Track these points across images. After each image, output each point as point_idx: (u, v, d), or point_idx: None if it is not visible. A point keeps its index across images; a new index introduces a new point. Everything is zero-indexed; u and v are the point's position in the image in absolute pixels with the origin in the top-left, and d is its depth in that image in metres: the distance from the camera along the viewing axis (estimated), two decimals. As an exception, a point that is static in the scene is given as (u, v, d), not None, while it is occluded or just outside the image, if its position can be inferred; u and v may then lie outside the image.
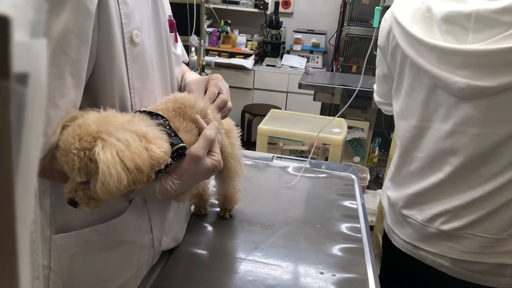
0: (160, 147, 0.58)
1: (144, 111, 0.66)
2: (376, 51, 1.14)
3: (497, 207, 0.93)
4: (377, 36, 1.12)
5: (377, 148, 3.11)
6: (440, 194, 0.99)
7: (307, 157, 1.46)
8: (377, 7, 1.24)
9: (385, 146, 3.32)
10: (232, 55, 3.94)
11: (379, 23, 1.10)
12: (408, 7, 0.97)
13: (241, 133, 0.96)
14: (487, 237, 0.95)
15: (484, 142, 0.90)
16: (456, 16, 0.87)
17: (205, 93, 0.81)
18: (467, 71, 0.86)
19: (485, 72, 0.85)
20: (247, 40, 4.03)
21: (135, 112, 0.67)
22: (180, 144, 0.64)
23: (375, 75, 1.21)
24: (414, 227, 1.06)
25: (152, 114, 0.65)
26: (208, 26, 3.93)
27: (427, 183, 1.01)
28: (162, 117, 0.66)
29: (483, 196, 0.93)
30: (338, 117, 1.60)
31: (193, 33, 2.45)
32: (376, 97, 1.26)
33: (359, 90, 1.47)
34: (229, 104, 0.83)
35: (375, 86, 1.27)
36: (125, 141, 0.55)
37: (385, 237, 1.20)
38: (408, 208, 1.07)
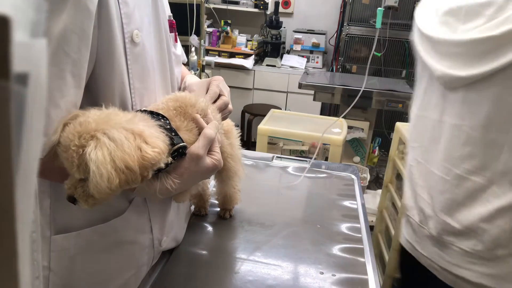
0: (155, 146, 0.58)
1: (145, 111, 0.66)
2: (377, 52, 1.17)
3: (478, 219, 0.90)
4: (379, 37, 1.14)
5: (377, 148, 3.10)
6: (431, 194, 1.01)
7: (307, 157, 1.46)
8: (379, 8, 1.22)
9: (385, 146, 3.32)
10: (232, 55, 3.94)
11: (382, 23, 1.14)
12: (424, 11, 1.02)
13: (240, 134, 0.96)
14: (471, 252, 0.93)
15: (458, 133, 0.92)
16: (454, 9, 0.92)
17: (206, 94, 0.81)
18: (449, 61, 0.90)
19: (462, 62, 0.88)
20: (247, 40, 4.03)
21: (136, 111, 0.67)
22: (181, 144, 0.64)
23: (376, 75, 1.24)
24: (412, 227, 1.08)
25: (153, 114, 0.65)
26: (208, 26, 3.93)
27: (417, 176, 1.05)
28: (163, 116, 0.66)
29: (463, 201, 0.93)
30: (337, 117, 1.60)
31: (193, 33, 2.45)
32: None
33: (359, 90, 1.48)
34: (230, 106, 0.84)
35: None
36: (119, 140, 0.55)
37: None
38: (408, 207, 1.09)
